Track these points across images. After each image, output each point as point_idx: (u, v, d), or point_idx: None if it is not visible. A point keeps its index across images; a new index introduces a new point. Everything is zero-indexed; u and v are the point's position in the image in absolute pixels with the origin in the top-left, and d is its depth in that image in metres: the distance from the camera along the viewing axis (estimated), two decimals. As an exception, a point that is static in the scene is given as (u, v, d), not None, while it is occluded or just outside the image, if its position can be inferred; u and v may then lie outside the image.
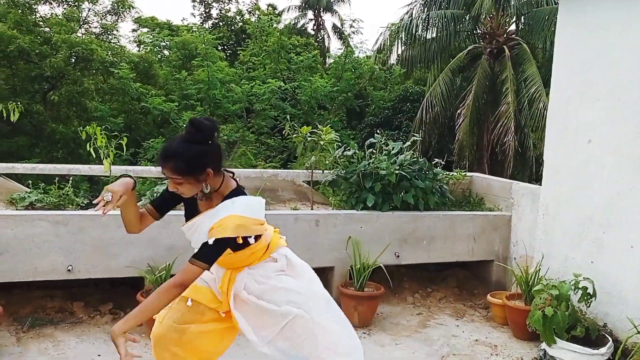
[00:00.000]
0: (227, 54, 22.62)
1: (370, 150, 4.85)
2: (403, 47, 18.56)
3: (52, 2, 18.02)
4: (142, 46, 20.74)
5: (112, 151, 4.30)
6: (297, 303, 2.43)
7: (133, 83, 14.26)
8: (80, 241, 3.79)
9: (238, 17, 28.71)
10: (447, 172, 5.28)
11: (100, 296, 4.22)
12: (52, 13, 18.07)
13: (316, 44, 26.37)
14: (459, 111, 16.68)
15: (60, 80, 16.78)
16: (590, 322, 3.74)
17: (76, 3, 18.32)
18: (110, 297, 4.23)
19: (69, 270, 3.78)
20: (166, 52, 20.55)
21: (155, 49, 18.89)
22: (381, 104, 20.53)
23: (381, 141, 4.93)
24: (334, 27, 34.72)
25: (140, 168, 5.05)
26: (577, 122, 4.15)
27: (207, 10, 30.32)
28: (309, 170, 4.76)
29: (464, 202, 5.38)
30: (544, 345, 3.73)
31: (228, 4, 30.39)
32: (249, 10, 29.51)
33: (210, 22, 29.26)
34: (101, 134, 4.20)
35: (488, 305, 4.62)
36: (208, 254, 2.26)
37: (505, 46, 16.07)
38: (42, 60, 16.08)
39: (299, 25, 33.93)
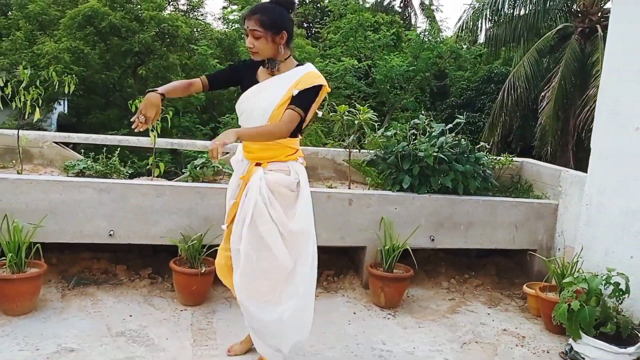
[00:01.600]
0: (311, 32, 22.71)
1: (412, 131, 4.79)
2: (488, 26, 17.91)
3: (141, -20, 18.81)
4: (230, 23, 21.24)
5: (158, 124, 4.50)
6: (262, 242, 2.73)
7: (211, 59, 14.68)
8: (122, 208, 4.04)
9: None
10: (494, 157, 5.12)
11: (141, 261, 4.49)
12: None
13: (402, 21, 25.91)
14: (543, 93, 15.94)
15: (148, 55, 17.59)
16: (623, 319, 3.54)
17: (165, -19, 19.04)
18: (151, 262, 4.49)
19: (110, 234, 4.04)
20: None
21: (240, 26, 19.29)
22: (463, 85, 19.97)
23: (425, 122, 4.86)
24: (422, 4, 33.90)
25: (185, 141, 5.25)
26: (629, 107, 3.90)
27: (294, -12, 30.51)
28: (348, 150, 4.77)
29: (512, 189, 5.21)
30: (571, 340, 3.60)
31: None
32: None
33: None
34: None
35: (525, 295, 4.49)
36: (307, 99, 2.69)
37: (598, 25, 15.08)
38: (131, 36, 16.90)
39: (385, 3, 33.49)
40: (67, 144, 4.90)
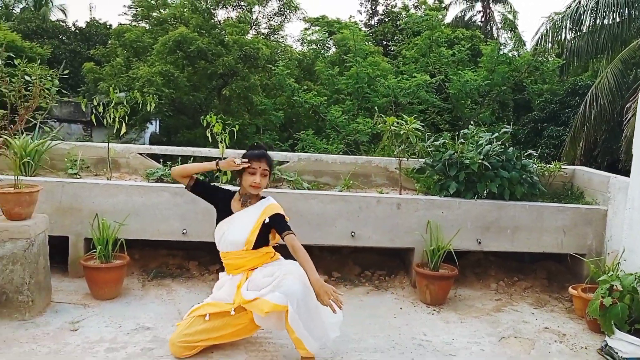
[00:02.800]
0: (391, 50, 23.05)
1: (461, 140, 5.05)
2: (568, 37, 17.55)
3: (228, 7, 19.97)
4: (309, 44, 22.04)
5: (226, 137, 5.04)
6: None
7: (288, 79, 15.38)
8: (193, 210, 4.59)
9: (404, 13, 29.02)
10: (543, 165, 5.27)
11: (210, 258, 5.02)
12: (227, 16, 20.05)
13: (482, 36, 25.75)
14: (628, 105, 15.40)
15: (232, 77, 18.60)
16: (659, 318, 3.64)
17: (248, 7, 20.10)
18: (219, 259, 4.98)
19: (183, 233, 4.61)
20: (331, 49, 21.74)
21: (317, 47, 20.05)
22: (547, 98, 19.55)
23: (473, 132, 5.11)
24: (503, 18, 33.41)
25: None
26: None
27: (373, 7, 30.99)
28: (398, 158, 5.11)
29: (563, 195, 5.32)
30: (606, 336, 3.72)
31: (394, 0, 30.77)
32: (415, 4, 29.60)
33: (376, 19, 29.92)
34: (217, 122, 4.96)
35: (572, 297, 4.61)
36: (285, 223, 3.29)
37: (686, 34, 14.48)
38: (216, 60, 17.98)
39: (465, 18, 33.33)
40: (154, 156, 5.56)
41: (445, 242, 4.55)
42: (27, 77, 5.06)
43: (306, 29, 25.39)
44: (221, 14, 20.23)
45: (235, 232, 3.35)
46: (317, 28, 23.00)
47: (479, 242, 4.81)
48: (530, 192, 4.91)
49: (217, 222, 3.48)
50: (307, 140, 14.77)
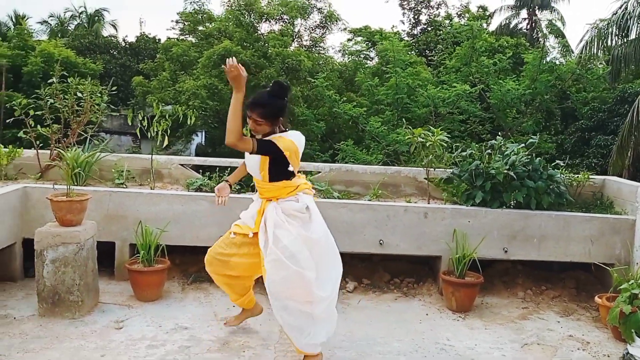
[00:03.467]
0: (433, 60, 23.08)
1: (488, 151, 5.17)
2: (614, 45, 17.25)
3: (271, 20, 20.48)
4: (350, 55, 22.30)
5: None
6: (288, 251, 3.35)
7: (328, 90, 15.66)
8: (230, 218, 4.79)
9: (447, 22, 28.98)
10: (572, 175, 5.33)
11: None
12: (270, 29, 20.54)
13: (527, 44, 25.48)
14: (678, 112, 15.00)
15: (274, 88, 19.05)
16: (681, 327, 3.68)
17: (291, 20, 20.56)
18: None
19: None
20: (374, 59, 21.99)
21: (358, 58, 20.31)
22: (594, 106, 19.20)
23: (500, 143, 5.23)
24: (550, 24, 32.88)
25: None
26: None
27: (415, 17, 31.04)
28: (426, 168, 5.27)
29: (593, 205, 5.36)
30: (627, 344, 3.78)
31: (437, 9, 30.76)
32: (458, 13, 29.53)
33: (419, 28, 29.96)
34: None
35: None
36: (260, 144, 3.34)
37: None
38: (259, 72, 18.45)
39: (511, 26, 33.00)
40: (194, 167, 5.89)
41: (470, 250, 4.68)
42: (79, 94, 5.48)
43: (349, 40, 25.78)
44: (264, 27, 20.76)
45: (250, 162, 3.57)
46: (359, 39, 23.31)
47: (506, 251, 4.91)
48: (557, 202, 4.99)
49: None
50: (347, 151, 14.99)
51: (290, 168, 3.49)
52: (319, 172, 5.76)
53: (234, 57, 3.26)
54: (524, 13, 33.56)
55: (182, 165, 5.78)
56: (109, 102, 5.78)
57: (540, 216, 4.90)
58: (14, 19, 35.37)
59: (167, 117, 5.20)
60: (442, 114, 15.02)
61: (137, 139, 21.36)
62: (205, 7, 21.53)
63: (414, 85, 15.08)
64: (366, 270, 5.35)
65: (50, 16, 36.79)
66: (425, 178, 5.43)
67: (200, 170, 5.74)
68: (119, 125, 21.83)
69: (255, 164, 3.53)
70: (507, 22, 33.12)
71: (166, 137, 5.24)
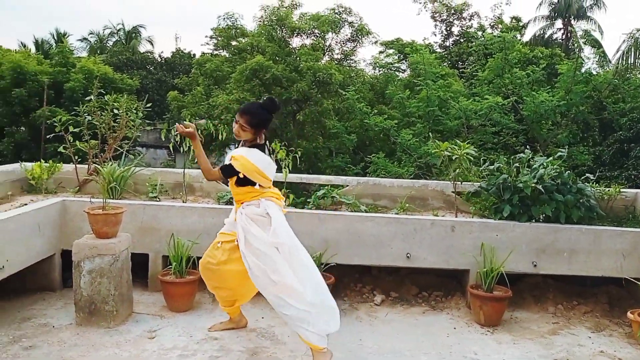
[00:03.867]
0: (466, 71, 22.99)
1: (516, 164, 5.16)
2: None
3: (302, 35, 20.72)
4: (381, 68, 22.38)
5: (290, 162, 5.39)
6: (259, 251, 3.69)
7: (359, 103, 15.75)
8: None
9: (480, 33, 28.81)
10: (602, 188, 5.27)
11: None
12: (302, 44, 20.78)
13: (563, 54, 25.15)
14: None
15: (305, 102, 19.23)
16: None
17: (322, 34, 20.75)
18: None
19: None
20: (406, 71, 22.02)
21: (387, 70, 20.37)
22: (634, 117, 18.79)
23: (529, 156, 5.21)
24: (585, 34, 32.35)
25: (311, 176, 6.14)
26: None
27: (447, 29, 30.94)
28: (453, 182, 5.28)
29: (625, 219, 5.29)
30: (659, 362, 3.73)
31: (469, 21, 30.64)
32: (491, 24, 29.34)
33: (451, 40, 29.85)
34: (281, 149, 5.33)
35: (633, 322, 4.58)
36: (224, 169, 3.79)
37: None
38: (290, 86, 18.67)
39: (545, 36, 32.64)
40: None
41: (495, 264, 4.67)
42: (115, 111, 5.68)
43: (381, 52, 25.90)
44: (296, 42, 21.01)
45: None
46: (391, 51, 23.38)
47: (535, 265, 4.88)
48: (587, 216, 4.94)
49: None
50: (379, 163, 15.01)
51: (257, 186, 3.82)
52: (347, 185, 5.83)
53: (177, 125, 3.93)
54: (559, 23, 33.18)
55: (213, 179, 5.93)
56: (145, 117, 5.98)
57: (570, 230, 4.86)
58: (55, 37, 36.66)
59: (200, 132, 5.34)
60: (474, 126, 14.93)
61: (173, 153, 21.79)
62: (238, 23, 21.93)
63: (445, 97, 15.04)
64: (394, 284, 5.38)
65: (90, 33, 38.01)
66: (452, 191, 5.44)
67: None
68: (155, 139, 22.29)
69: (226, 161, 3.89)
70: (542, 32, 32.78)
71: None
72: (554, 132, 17.06)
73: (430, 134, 15.39)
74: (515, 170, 5.08)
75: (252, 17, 20.83)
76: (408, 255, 4.93)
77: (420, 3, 29.75)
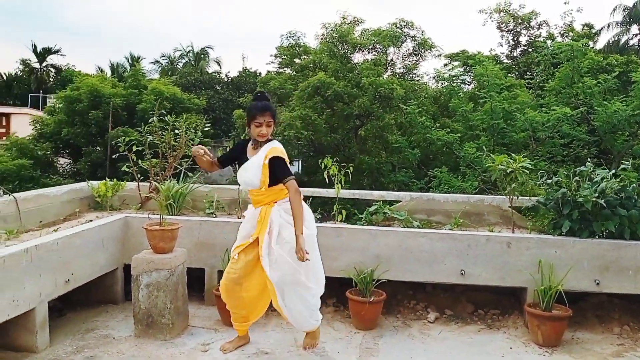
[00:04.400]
0: (531, 82, 22.38)
1: (576, 178, 4.97)
2: None
3: (364, 50, 20.80)
4: (444, 81, 22.10)
5: (342, 177, 5.42)
6: (289, 245, 3.88)
7: (420, 117, 15.60)
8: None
9: (549, 42, 27.95)
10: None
11: (328, 291, 5.31)
12: (364, 59, 20.85)
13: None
14: None
15: (367, 117, 19.26)
16: None
17: (383, 49, 20.77)
18: (336, 293, 5.34)
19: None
20: (470, 83, 21.63)
21: (451, 83, 20.09)
22: None
23: (590, 170, 5.00)
24: (663, 39, 30.77)
25: (364, 192, 6.12)
26: None
27: (515, 39, 30.22)
28: (509, 196, 5.14)
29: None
30: None
31: (538, 30, 29.82)
32: (561, 32, 28.44)
33: (518, 50, 29.13)
34: (333, 164, 5.37)
35: None
36: (285, 168, 3.88)
37: None
38: (352, 101, 18.76)
39: (621, 42, 31.29)
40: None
41: (553, 281, 4.49)
42: (176, 131, 5.91)
43: (445, 65, 25.59)
44: (357, 57, 21.11)
45: (249, 174, 3.96)
46: (456, 63, 23.04)
47: (597, 283, 4.66)
48: (655, 231, 4.68)
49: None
50: (442, 178, 14.77)
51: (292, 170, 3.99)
52: (400, 201, 5.79)
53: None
54: (634, 29, 31.74)
55: (268, 195, 6.04)
56: (212, 136, 6.20)
57: (635, 246, 4.61)
58: (130, 61, 38.57)
59: None
60: (541, 138, 14.44)
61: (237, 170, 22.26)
62: (301, 41, 22.29)
63: (510, 109, 14.65)
64: (448, 301, 5.27)
65: (162, 56, 39.81)
66: (509, 207, 5.29)
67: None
68: (221, 157, 22.88)
69: (255, 176, 3.94)
70: (616, 39, 31.45)
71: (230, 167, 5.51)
72: (629, 144, 16.25)
73: (495, 147, 15.04)
74: (575, 184, 4.89)
75: (313, 35, 21.01)
76: (462, 271, 4.82)
77: (486, 14, 29.32)
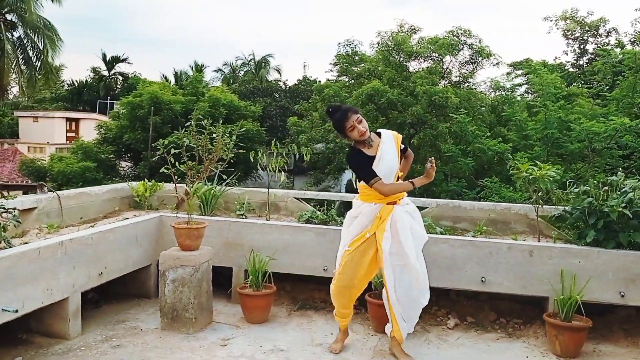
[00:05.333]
0: (590, 90, 21.65)
1: (605, 187, 4.85)
2: None
3: (420, 58, 20.72)
4: (498, 90, 21.68)
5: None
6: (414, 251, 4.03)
7: (471, 126, 15.38)
8: (334, 249, 5.08)
9: (617, 50, 26.91)
10: None
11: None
12: (419, 67, 20.76)
13: None
14: None
15: (421, 126, 19.15)
16: None
17: (439, 57, 20.60)
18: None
19: (324, 269, 5.14)
20: (532, 93, 21.09)
21: (507, 92, 19.69)
22: None
23: (621, 179, 4.88)
24: None
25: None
26: None
27: (581, 46, 29.29)
28: (534, 205, 5.07)
29: None
30: None
31: (606, 37, 28.78)
32: (631, 40, 27.34)
33: (585, 58, 28.22)
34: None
35: None
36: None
37: None
38: (406, 110, 18.72)
39: None
40: (309, 200, 6.30)
41: (582, 293, 4.41)
42: (214, 134, 6.15)
43: (508, 73, 25.08)
44: (413, 65, 21.04)
45: (389, 164, 4.01)
46: (519, 72, 22.53)
47: (622, 295, 4.54)
48: (685, 244, 4.51)
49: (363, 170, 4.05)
50: (492, 188, 14.48)
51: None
52: (426, 207, 5.81)
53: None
54: None
55: (297, 198, 6.20)
56: (267, 142, 6.44)
57: (663, 259, 4.47)
58: (194, 69, 39.90)
59: (304, 155, 5.65)
60: (598, 149, 13.94)
61: (292, 175, 22.63)
62: (358, 49, 22.42)
63: (566, 119, 14.22)
64: (472, 308, 5.25)
65: (224, 64, 40.93)
66: (536, 215, 5.21)
67: (311, 203, 6.10)
68: (276, 163, 23.31)
69: (394, 161, 4.08)
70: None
71: (282, 174, 5.69)
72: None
73: (549, 157, 14.62)
74: (603, 193, 4.78)
75: (368, 43, 21.07)
76: (483, 279, 4.81)
77: (551, 21, 28.57)
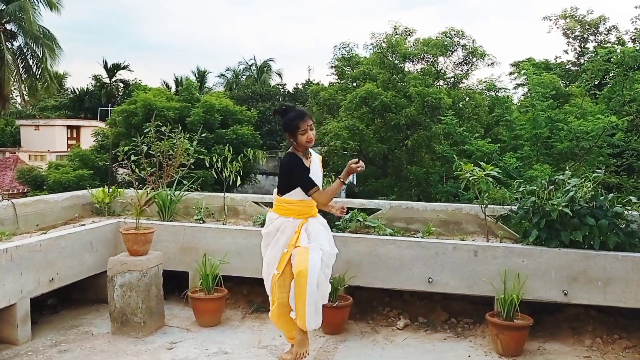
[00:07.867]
0: (580, 89, 21.54)
1: (551, 187, 4.86)
2: None
3: (413, 60, 20.73)
4: (489, 90, 21.62)
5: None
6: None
7: (458, 127, 15.37)
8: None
9: (618, 48, 26.71)
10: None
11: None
12: (414, 69, 20.77)
13: None
14: None
15: (415, 127, 19.15)
16: None
17: (433, 58, 20.60)
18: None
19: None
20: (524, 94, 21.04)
21: (497, 92, 19.63)
22: None
23: (568, 178, 4.89)
24: None
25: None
26: None
27: (582, 45, 29.16)
28: (481, 205, 5.09)
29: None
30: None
31: (607, 35, 28.65)
32: (632, 38, 27.17)
33: (586, 57, 28.07)
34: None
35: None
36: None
37: None
38: (399, 112, 18.73)
39: None
40: (268, 204, 6.33)
41: (526, 291, 4.43)
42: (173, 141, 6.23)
43: (511, 73, 25.01)
44: (408, 67, 21.04)
45: (318, 182, 3.94)
46: (522, 71, 22.46)
47: (565, 294, 4.54)
48: (628, 242, 4.52)
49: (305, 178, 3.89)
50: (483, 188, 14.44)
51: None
52: (379, 209, 5.83)
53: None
54: None
55: (255, 202, 6.25)
56: (267, 146, 6.48)
57: (604, 257, 4.46)
58: (196, 74, 40.14)
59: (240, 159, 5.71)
60: (586, 148, 13.88)
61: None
62: (353, 52, 22.47)
63: (555, 118, 14.18)
64: (424, 309, 5.27)
65: (227, 70, 41.17)
66: (489, 215, 5.21)
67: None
68: (274, 167, 23.41)
69: (319, 181, 4.00)
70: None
71: (238, 178, 5.74)
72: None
73: (539, 157, 14.57)
74: (547, 192, 4.79)
75: (362, 45, 21.02)
76: (430, 279, 4.83)
77: (550, 20, 28.48)
